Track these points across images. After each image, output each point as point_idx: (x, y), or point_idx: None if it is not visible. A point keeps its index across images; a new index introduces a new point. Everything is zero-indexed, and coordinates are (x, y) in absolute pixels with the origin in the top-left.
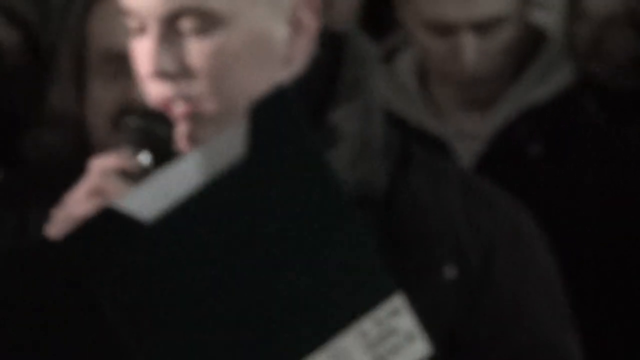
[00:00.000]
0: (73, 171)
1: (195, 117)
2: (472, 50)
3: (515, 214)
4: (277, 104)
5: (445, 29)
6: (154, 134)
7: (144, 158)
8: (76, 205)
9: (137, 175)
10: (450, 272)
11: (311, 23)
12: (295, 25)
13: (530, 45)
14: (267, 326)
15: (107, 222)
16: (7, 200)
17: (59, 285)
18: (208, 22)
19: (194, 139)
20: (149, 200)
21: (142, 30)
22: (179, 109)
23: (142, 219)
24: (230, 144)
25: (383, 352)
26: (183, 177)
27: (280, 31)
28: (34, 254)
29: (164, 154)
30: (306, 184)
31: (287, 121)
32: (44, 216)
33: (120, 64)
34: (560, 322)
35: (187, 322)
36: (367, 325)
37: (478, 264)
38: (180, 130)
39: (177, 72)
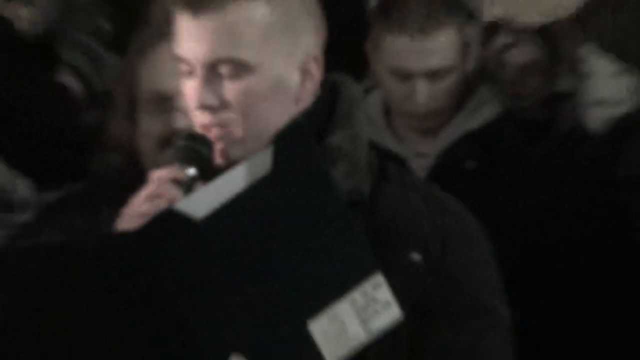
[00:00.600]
0: (129, 183)
1: (228, 139)
2: (424, 92)
3: (463, 214)
4: (295, 133)
5: (405, 76)
6: (198, 152)
7: (191, 171)
8: (139, 205)
9: (185, 184)
10: (416, 257)
11: (316, 72)
12: (304, 73)
13: (467, 86)
14: (284, 297)
15: (168, 218)
16: (80, 207)
17: (130, 266)
18: (240, 69)
19: (226, 156)
20: (201, 203)
21: (190, 73)
22: (216, 133)
23: (194, 217)
24: (261, 162)
25: (367, 316)
26: (225, 187)
27: (293, 77)
28: (112, 243)
29: (206, 167)
30: (316, 192)
31: (302, 145)
32: (111, 218)
33: (164, 101)
34: (494, 292)
35: (227, 294)
36: (356, 295)
37: (436, 251)
38: (217, 149)
39: (215, 106)
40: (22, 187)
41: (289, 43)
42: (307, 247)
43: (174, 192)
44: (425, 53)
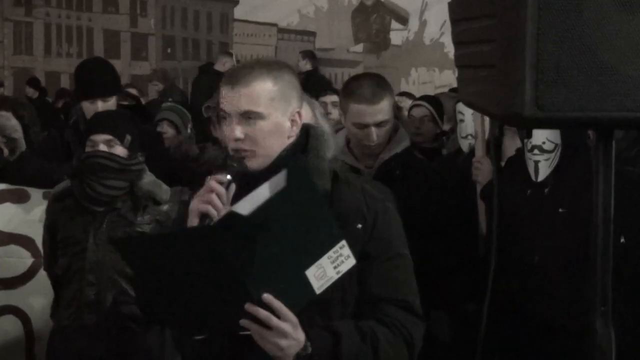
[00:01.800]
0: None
1: (249, 157)
2: (374, 135)
3: (385, 200)
4: (297, 162)
5: (363, 126)
6: (231, 165)
7: (227, 176)
8: (201, 197)
9: (225, 184)
10: (359, 226)
11: (299, 120)
12: (292, 121)
13: (393, 129)
14: (294, 257)
15: (229, 216)
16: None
17: (209, 249)
18: (256, 116)
19: (249, 167)
20: (246, 207)
21: (227, 120)
22: (243, 153)
23: (243, 214)
24: (280, 181)
25: (337, 264)
26: (258, 197)
27: (286, 123)
28: (196, 234)
29: (235, 174)
30: (309, 196)
31: (301, 170)
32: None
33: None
34: (403, 244)
35: (261, 256)
36: (331, 253)
37: (370, 222)
38: (242, 163)
39: (242, 138)
40: (164, 189)
41: (284, 103)
42: (305, 226)
43: (216, 186)
44: (375, 113)
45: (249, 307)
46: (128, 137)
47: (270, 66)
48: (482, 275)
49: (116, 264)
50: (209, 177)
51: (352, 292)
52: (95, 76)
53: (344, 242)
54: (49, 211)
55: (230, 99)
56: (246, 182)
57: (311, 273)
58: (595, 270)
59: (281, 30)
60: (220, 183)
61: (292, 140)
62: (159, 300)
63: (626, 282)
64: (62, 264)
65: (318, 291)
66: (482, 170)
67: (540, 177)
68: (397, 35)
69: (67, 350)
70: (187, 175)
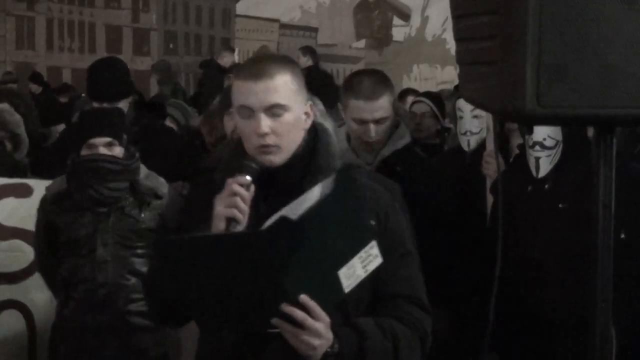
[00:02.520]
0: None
1: (274, 150)
2: (373, 131)
3: (391, 197)
4: (346, 170)
5: (362, 122)
6: (250, 167)
7: (247, 177)
8: (224, 200)
9: (245, 185)
10: (373, 222)
11: (312, 114)
12: (307, 114)
13: (394, 125)
14: (330, 259)
15: (281, 222)
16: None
17: (256, 253)
18: (282, 109)
19: (273, 161)
20: (295, 211)
21: (250, 116)
22: (268, 148)
23: (292, 218)
24: (327, 185)
25: (366, 263)
26: (307, 201)
27: (303, 116)
28: (239, 239)
29: (254, 175)
30: (352, 201)
31: (346, 176)
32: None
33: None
34: (412, 241)
35: (308, 263)
36: (362, 253)
37: (382, 218)
38: (266, 157)
39: (269, 132)
40: (161, 182)
41: (301, 96)
42: (344, 228)
43: (240, 189)
44: (374, 109)
45: (286, 307)
46: (125, 136)
47: (284, 59)
48: (484, 272)
49: (125, 263)
50: (229, 179)
51: (367, 289)
52: (106, 80)
53: (374, 243)
54: (43, 211)
55: (255, 93)
56: (265, 181)
57: (343, 273)
58: (596, 266)
59: (283, 26)
60: (242, 185)
61: (305, 133)
62: (193, 299)
63: (626, 278)
64: (68, 265)
65: (346, 290)
66: (493, 165)
67: (541, 174)
68: (399, 32)
69: (80, 351)
70: (189, 169)
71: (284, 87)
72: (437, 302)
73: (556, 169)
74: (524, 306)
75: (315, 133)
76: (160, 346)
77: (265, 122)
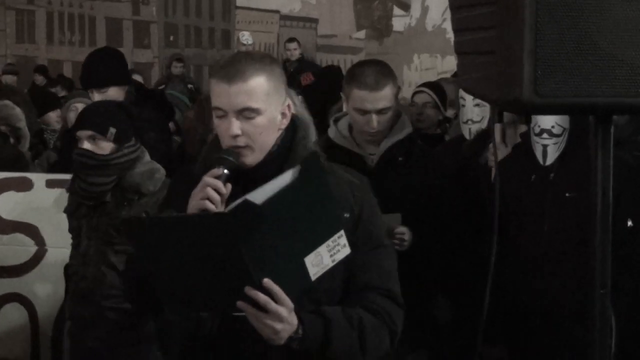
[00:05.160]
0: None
1: (245, 151)
2: (375, 122)
3: (367, 190)
4: (312, 158)
5: (364, 112)
6: (227, 160)
7: (224, 170)
8: (200, 191)
9: (221, 177)
10: (346, 215)
11: (288, 113)
12: (282, 114)
13: (395, 115)
14: (297, 246)
15: (244, 205)
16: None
17: (219, 234)
18: (254, 112)
19: (245, 161)
20: (260, 196)
21: (223, 117)
22: (240, 148)
23: (257, 203)
24: (291, 174)
25: (334, 252)
26: (272, 187)
27: (278, 117)
28: (213, 218)
29: (232, 168)
30: (318, 188)
31: (314, 164)
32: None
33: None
34: (385, 234)
35: (267, 244)
36: (330, 242)
37: (356, 211)
38: (237, 157)
39: (240, 134)
40: (156, 179)
41: (277, 97)
42: (311, 215)
43: (213, 181)
44: (377, 100)
45: (249, 290)
46: (112, 130)
47: (262, 60)
48: (485, 261)
49: (104, 259)
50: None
51: (340, 280)
52: (95, 66)
53: (342, 232)
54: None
55: (227, 95)
56: (240, 179)
57: (309, 260)
58: (595, 253)
59: (283, 17)
60: (217, 177)
61: (281, 132)
62: (160, 279)
63: (633, 266)
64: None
65: (313, 278)
66: (498, 155)
67: (549, 161)
68: (399, 22)
69: (73, 342)
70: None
71: (258, 90)
72: (438, 291)
73: (561, 157)
74: (529, 296)
75: (293, 126)
76: (137, 344)
77: (236, 125)
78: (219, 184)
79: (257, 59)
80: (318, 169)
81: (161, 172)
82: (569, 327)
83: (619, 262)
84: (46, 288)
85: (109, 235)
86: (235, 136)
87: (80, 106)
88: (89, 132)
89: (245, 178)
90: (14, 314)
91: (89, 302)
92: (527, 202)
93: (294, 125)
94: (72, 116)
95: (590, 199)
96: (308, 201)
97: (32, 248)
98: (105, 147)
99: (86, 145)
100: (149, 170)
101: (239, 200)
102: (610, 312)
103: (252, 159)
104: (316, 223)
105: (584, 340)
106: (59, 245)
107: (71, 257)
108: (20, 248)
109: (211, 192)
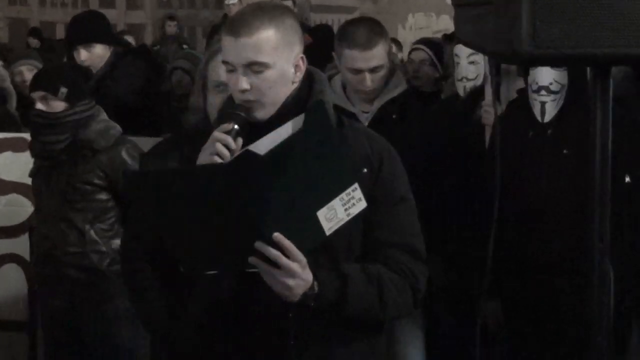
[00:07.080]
0: (203, 134)
1: (256, 106)
2: (368, 80)
3: (385, 143)
4: (318, 104)
5: (357, 71)
6: (238, 115)
7: (234, 125)
8: (210, 146)
9: (231, 133)
10: (365, 170)
11: (302, 66)
12: (296, 67)
13: (390, 72)
14: (307, 199)
15: (246, 155)
16: (173, 145)
17: (223, 186)
18: (262, 66)
19: (255, 116)
20: (262, 147)
21: (232, 71)
22: (249, 104)
23: (259, 154)
24: (297, 123)
25: (349, 206)
26: (276, 137)
27: (290, 70)
28: (214, 169)
29: (242, 123)
30: (325, 138)
31: (320, 113)
32: (191, 154)
33: (221, 86)
34: (408, 188)
35: (275, 196)
36: (343, 195)
37: (375, 166)
38: (248, 112)
39: (249, 89)
40: (110, 135)
41: (287, 50)
42: (320, 168)
43: (222, 135)
44: (369, 58)
45: (259, 245)
46: (63, 90)
47: (272, 12)
48: (482, 217)
49: (65, 217)
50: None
51: (359, 238)
52: (77, 24)
53: (356, 185)
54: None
55: (234, 50)
56: (254, 133)
57: (322, 214)
58: (594, 206)
59: None
60: (227, 132)
61: (296, 86)
62: (169, 236)
63: (630, 221)
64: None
65: (328, 232)
66: (492, 114)
67: (547, 118)
68: None
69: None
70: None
71: (266, 43)
72: (433, 248)
73: (559, 114)
74: (526, 252)
75: (310, 80)
76: (105, 302)
77: (244, 80)
78: (229, 139)
79: (266, 10)
80: (325, 118)
81: (117, 129)
82: (566, 283)
83: (616, 219)
84: None
85: (67, 193)
86: (244, 91)
87: (24, 69)
88: (41, 93)
89: (258, 133)
90: (11, 274)
91: (52, 261)
92: (526, 159)
93: (311, 78)
94: (18, 80)
95: (589, 152)
96: (316, 152)
97: (29, 208)
98: (57, 106)
99: (39, 105)
100: (104, 128)
101: (241, 151)
102: (608, 265)
103: (263, 113)
104: (327, 176)
105: (582, 294)
106: None
107: (35, 219)
108: (18, 209)
109: (220, 147)
